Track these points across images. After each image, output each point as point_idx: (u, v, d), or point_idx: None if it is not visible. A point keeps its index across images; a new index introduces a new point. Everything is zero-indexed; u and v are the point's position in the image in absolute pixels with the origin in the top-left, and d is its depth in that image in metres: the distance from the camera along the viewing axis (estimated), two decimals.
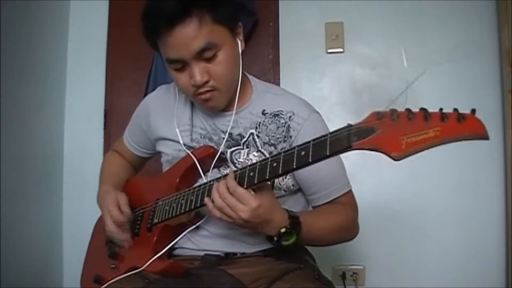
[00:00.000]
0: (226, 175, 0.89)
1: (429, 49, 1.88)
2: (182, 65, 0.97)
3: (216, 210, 0.87)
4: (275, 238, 0.89)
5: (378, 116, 0.67)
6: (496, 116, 1.79)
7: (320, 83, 1.97)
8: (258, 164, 0.84)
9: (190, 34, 0.93)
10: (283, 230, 0.88)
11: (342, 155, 1.08)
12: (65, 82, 2.11)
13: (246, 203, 0.83)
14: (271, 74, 1.98)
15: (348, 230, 1.06)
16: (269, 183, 0.96)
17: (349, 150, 0.70)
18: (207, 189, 0.94)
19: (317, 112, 1.09)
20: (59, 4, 2.07)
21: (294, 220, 0.89)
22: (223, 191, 0.85)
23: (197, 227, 1.05)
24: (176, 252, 1.09)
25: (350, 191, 1.07)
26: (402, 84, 1.85)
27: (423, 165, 1.82)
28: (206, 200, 0.90)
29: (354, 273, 1.86)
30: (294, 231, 0.89)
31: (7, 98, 1.63)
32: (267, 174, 0.82)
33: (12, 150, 1.67)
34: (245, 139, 1.05)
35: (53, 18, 2.04)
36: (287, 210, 0.91)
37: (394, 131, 0.64)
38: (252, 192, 0.86)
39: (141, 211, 1.13)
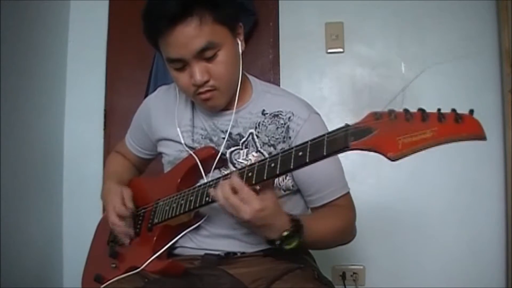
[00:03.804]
0: (226, 174, 0.89)
1: (429, 49, 1.88)
2: (182, 64, 0.98)
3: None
4: (277, 242, 0.87)
5: (376, 116, 0.67)
6: (496, 116, 1.79)
7: (320, 83, 1.97)
8: (257, 164, 0.84)
9: (190, 34, 0.93)
10: (285, 233, 0.86)
11: (341, 155, 1.09)
12: (65, 82, 2.11)
13: (249, 205, 0.82)
14: (271, 74, 1.98)
15: (346, 233, 1.06)
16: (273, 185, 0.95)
17: (346, 150, 0.70)
18: (207, 188, 0.93)
19: (317, 113, 1.09)
20: (59, 4, 2.07)
21: (296, 224, 0.88)
22: (226, 191, 0.83)
23: (198, 227, 1.05)
24: (177, 251, 1.09)
25: (348, 193, 1.07)
26: (402, 84, 1.85)
27: (423, 165, 1.82)
28: (211, 190, 0.87)
29: (354, 273, 1.86)
30: (297, 235, 0.88)
31: (7, 98, 1.63)
32: (265, 174, 0.81)
33: (12, 150, 1.67)
34: (244, 139, 1.05)
35: (53, 18, 2.04)
36: (288, 214, 0.89)
37: (391, 132, 0.64)
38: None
39: (142, 211, 1.13)
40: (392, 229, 1.85)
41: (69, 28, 2.14)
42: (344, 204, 1.05)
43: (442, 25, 1.89)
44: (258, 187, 0.86)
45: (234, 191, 0.83)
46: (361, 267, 1.87)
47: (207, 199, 0.91)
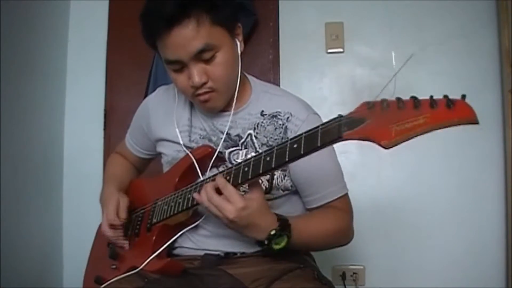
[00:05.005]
0: (214, 175, 0.90)
1: (429, 49, 1.88)
2: (180, 66, 0.97)
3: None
4: (266, 242, 0.88)
5: (368, 106, 0.67)
6: (496, 116, 1.79)
7: (320, 83, 1.97)
8: (252, 159, 0.84)
9: (188, 36, 0.92)
10: (272, 232, 0.87)
11: (342, 155, 1.09)
12: (65, 82, 2.11)
13: (233, 203, 0.83)
14: (271, 74, 1.98)
15: (341, 236, 1.05)
16: (262, 186, 0.95)
17: (340, 141, 0.70)
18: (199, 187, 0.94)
19: (316, 114, 1.08)
20: (59, 4, 2.07)
21: (283, 223, 0.89)
22: (209, 191, 0.86)
23: (197, 227, 1.05)
24: (176, 251, 1.09)
25: (346, 195, 1.07)
26: (402, 84, 1.85)
27: (423, 165, 1.83)
28: (195, 195, 0.90)
29: (354, 273, 1.86)
30: (285, 233, 0.88)
31: (7, 98, 1.63)
32: (261, 168, 0.81)
33: (12, 150, 1.67)
34: (243, 140, 1.05)
35: (53, 18, 2.04)
36: (276, 214, 0.90)
37: (384, 120, 0.64)
38: (242, 193, 0.86)
39: (142, 211, 1.13)
40: (392, 229, 1.85)
41: (69, 28, 2.14)
42: (340, 206, 1.04)
43: (442, 25, 1.89)
44: (246, 187, 0.87)
45: (218, 192, 0.85)
46: (361, 267, 1.87)
47: None
